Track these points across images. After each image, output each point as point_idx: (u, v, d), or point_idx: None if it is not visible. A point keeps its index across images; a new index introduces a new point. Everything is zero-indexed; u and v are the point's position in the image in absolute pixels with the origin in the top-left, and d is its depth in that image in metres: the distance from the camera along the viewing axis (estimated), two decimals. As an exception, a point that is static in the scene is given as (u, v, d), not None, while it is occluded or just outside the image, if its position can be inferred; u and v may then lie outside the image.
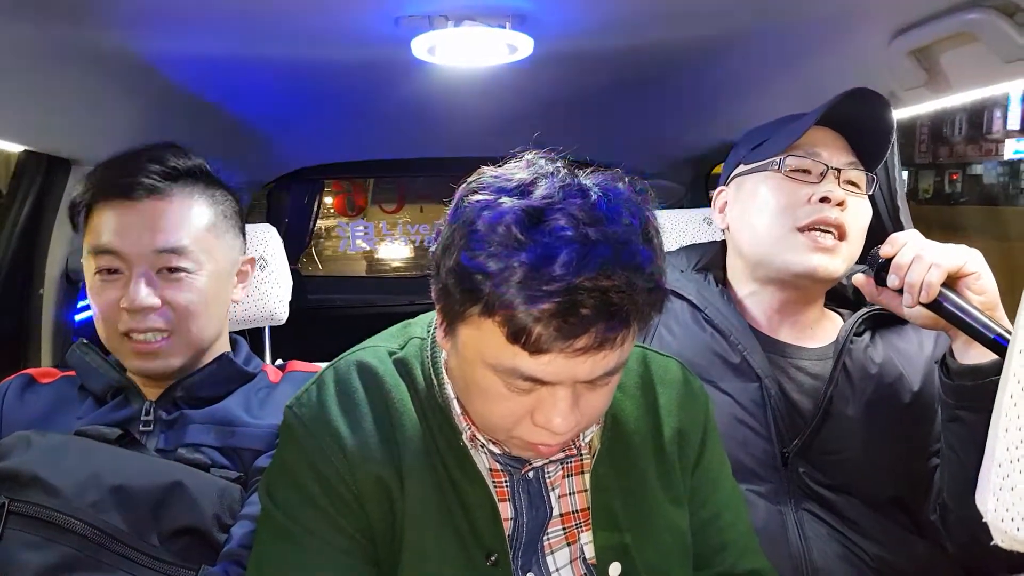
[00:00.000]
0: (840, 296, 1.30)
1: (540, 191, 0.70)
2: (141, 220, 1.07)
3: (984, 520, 0.49)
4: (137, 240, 1.06)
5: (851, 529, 1.12)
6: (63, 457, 0.97)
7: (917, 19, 1.10)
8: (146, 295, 1.04)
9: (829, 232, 1.15)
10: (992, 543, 0.49)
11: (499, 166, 0.77)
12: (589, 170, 0.76)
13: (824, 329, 1.26)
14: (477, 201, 0.71)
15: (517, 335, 0.68)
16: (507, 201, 0.69)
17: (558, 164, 0.76)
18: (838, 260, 1.15)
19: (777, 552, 1.07)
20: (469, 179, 0.77)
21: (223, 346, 1.21)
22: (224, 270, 1.15)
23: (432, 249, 0.77)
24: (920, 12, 1.08)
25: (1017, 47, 0.98)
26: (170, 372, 1.11)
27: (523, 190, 0.71)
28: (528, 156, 0.78)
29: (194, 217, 1.11)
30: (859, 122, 1.17)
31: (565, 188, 0.70)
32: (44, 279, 1.58)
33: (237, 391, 1.16)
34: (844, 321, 1.27)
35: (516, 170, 0.74)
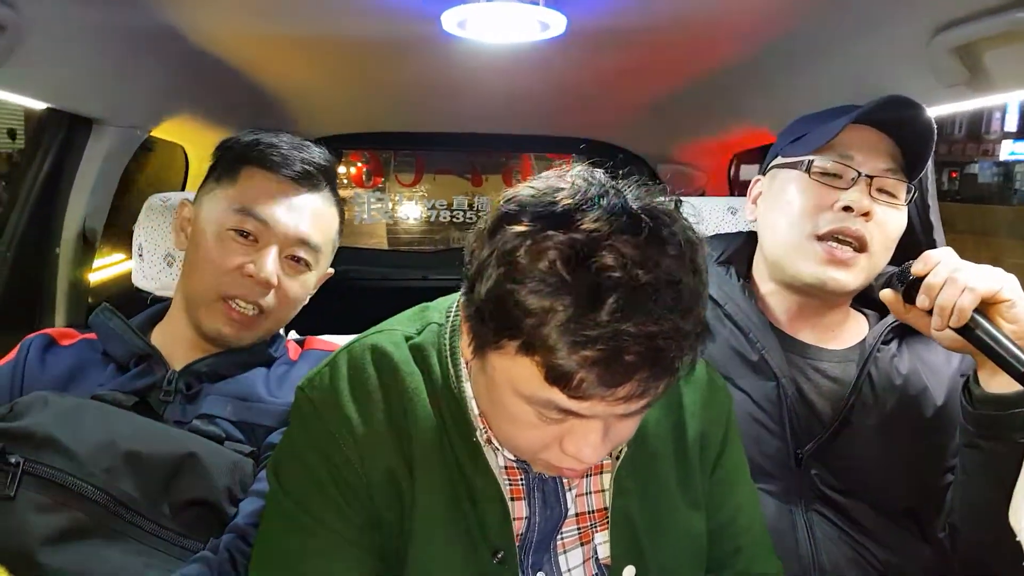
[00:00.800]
0: (867, 296, 1.28)
1: (586, 222, 0.64)
2: (296, 202, 1.13)
3: (1017, 539, 0.48)
4: (286, 218, 1.12)
5: (861, 533, 1.11)
6: (79, 420, 0.96)
7: (962, 16, 1.06)
8: (272, 271, 1.10)
9: (848, 243, 1.11)
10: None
11: (535, 180, 0.72)
12: (632, 184, 0.71)
13: (847, 331, 1.24)
14: (518, 232, 0.66)
15: (558, 379, 0.65)
16: (552, 233, 0.64)
17: (602, 181, 0.70)
18: (852, 274, 1.11)
19: (786, 552, 1.07)
20: (506, 195, 0.72)
21: None
22: (322, 276, 1.23)
23: (465, 266, 0.73)
24: (966, 8, 1.04)
25: (1067, 49, 0.95)
26: (238, 344, 1.14)
27: (568, 219, 0.65)
28: (572, 172, 0.72)
29: (330, 219, 1.19)
30: (901, 124, 1.12)
31: (612, 218, 0.65)
32: (61, 239, 1.58)
33: (258, 367, 1.16)
34: (869, 322, 1.25)
35: (558, 190, 0.68)
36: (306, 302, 1.22)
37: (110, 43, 1.32)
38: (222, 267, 1.09)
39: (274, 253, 1.10)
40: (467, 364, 0.83)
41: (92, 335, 1.16)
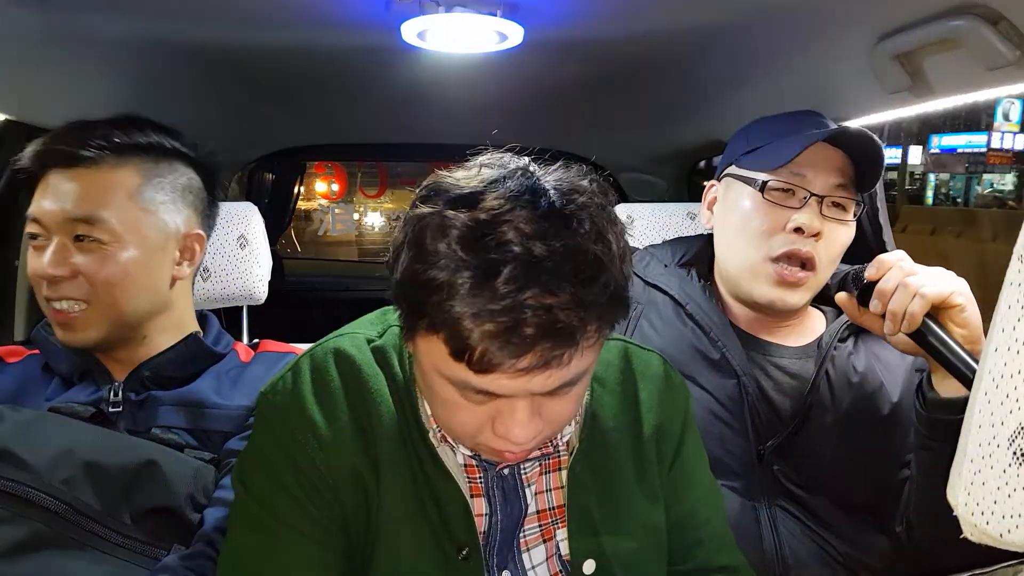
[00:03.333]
0: (824, 292, 1.31)
1: (488, 201, 0.67)
2: (61, 187, 1.06)
3: (954, 514, 0.50)
4: (53, 207, 1.05)
5: (823, 527, 1.13)
6: (36, 432, 0.95)
7: (902, 24, 1.10)
8: (52, 264, 1.03)
9: (797, 264, 1.14)
10: (961, 536, 0.50)
11: (453, 169, 0.74)
12: (555, 167, 0.73)
13: (805, 328, 1.27)
14: (424, 213, 0.69)
15: (459, 354, 0.66)
16: (451, 214, 0.66)
17: (519, 164, 0.72)
18: (799, 294, 1.15)
19: (750, 548, 1.08)
20: (424, 183, 0.74)
21: (190, 325, 1.19)
22: (155, 244, 1.11)
23: (387, 258, 0.75)
24: (905, 17, 1.09)
25: (1000, 55, 0.99)
26: (90, 344, 1.08)
27: (472, 200, 0.67)
28: (484, 157, 0.74)
29: (117, 187, 1.08)
30: (854, 142, 1.15)
31: (515, 196, 0.67)
32: (20, 250, 1.55)
33: (207, 372, 1.14)
34: (827, 318, 1.28)
35: (471, 174, 0.71)
36: (178, 274, 1.15)
37: (69, 53, 1.31)
38: (32, 277, 1.07)
39: (52, 246, 1.04)
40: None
41: (37, 351, 1.14)
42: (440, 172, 0.74)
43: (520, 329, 0.64)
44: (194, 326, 1.21)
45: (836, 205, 1.16)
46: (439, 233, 0.66)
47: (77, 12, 1.16)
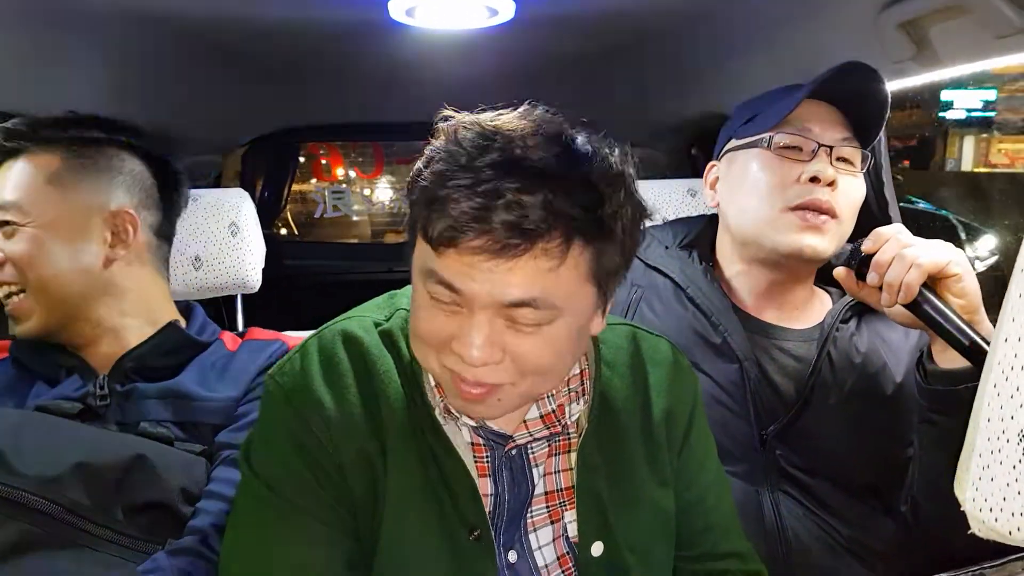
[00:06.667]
0: (831, 274, 1.29)
1: (504, 120, 0.73)
2: None
3: (962, 509, 0.48)
4: None
5: (826, 511, 1.12)
6: (21, 433, 0.94)
7: None
8: None
9: (819, 212, 1.13)
10: (969, 532, 0.49)
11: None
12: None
13: (812, 310, 1.25)
14: (441, 128, 0.75)
15: (425, 229, 0.71)
16: (463, 119, 0.74)
17: (549, 114, 0.76)
18: (827, 239, 1.13)
19: (753, 532, 1.07)
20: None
21: (167, 315, 1.18)
22: (75, 223, 1.10)
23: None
24: (911, -18, 1.06)
25: (1008, 23, 0.96)
26: (39, 332, 1.09)
27: (487, 118, 0.74)
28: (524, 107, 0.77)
29: (34, 171, 1.10)
30: (853, 95, 1.14)
31: (531, 120, 0.73)
32: None
33: (192, 363, 1.13)
34: (833, 301, 1.26)
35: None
36: (112, 255, 1.13)
37: (50, 37, 1.28)
38: None
39: None
40: None
41: None
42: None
43: (488, 213, 0.67)
44: (172, 316, 1.19)
45: (842, 160, 1.16)
46: (448, 135, 0.73)
47: None
